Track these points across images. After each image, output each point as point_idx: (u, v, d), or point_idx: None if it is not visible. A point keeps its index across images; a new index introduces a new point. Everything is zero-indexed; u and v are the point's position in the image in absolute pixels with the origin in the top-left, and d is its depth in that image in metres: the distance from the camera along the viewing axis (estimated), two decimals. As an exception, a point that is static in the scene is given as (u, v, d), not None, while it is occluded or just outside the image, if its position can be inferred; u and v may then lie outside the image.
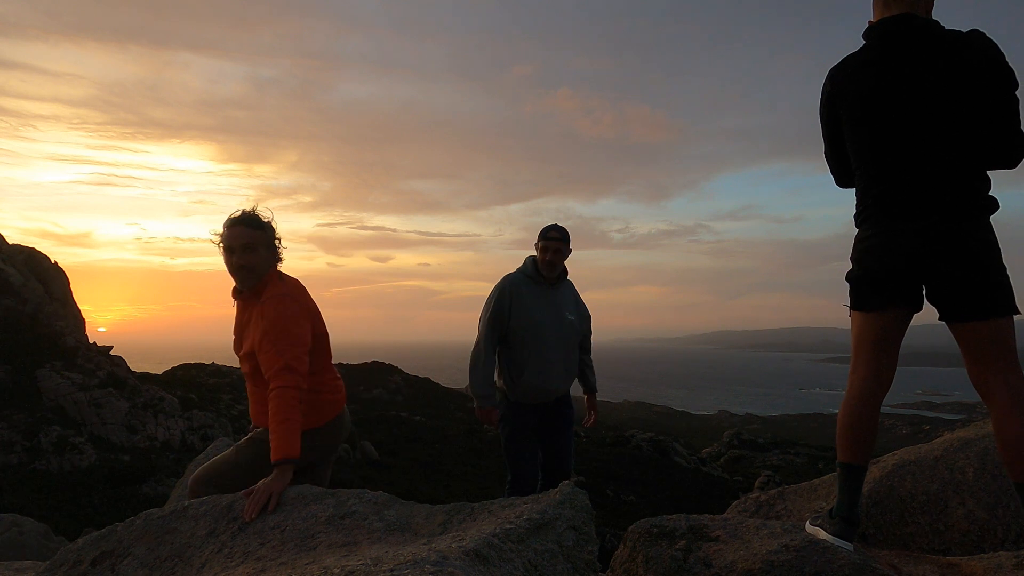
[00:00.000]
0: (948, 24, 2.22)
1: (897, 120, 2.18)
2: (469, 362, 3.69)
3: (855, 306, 2.30)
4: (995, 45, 2.11)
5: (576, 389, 3.99)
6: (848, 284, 2.32)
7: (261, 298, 2.57)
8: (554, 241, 3.66)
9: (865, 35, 2.31)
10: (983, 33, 2.13)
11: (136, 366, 23.74)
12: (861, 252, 2.28)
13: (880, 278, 2.21)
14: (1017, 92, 2.10)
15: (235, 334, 2.71)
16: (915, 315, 2.28)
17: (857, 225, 2.32)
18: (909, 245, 2.14)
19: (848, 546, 2.19)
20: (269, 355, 2.43)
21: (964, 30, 2.17)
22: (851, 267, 2.32)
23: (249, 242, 2.58)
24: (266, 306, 2.50)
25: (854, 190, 2.35)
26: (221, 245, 2.64)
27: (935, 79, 2.13)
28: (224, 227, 2.63)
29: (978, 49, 2.10)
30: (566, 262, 3.81)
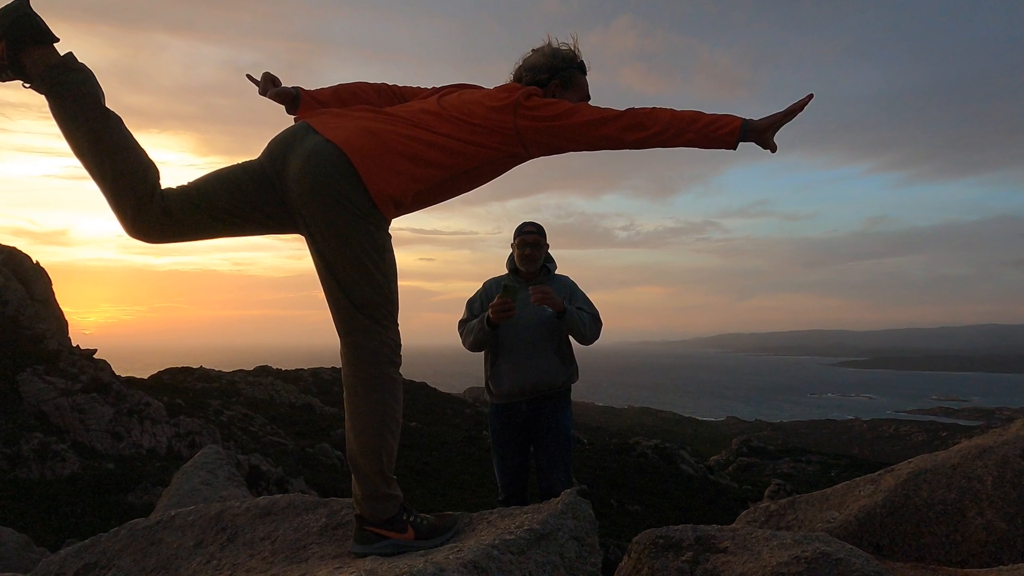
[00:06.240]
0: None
1: None
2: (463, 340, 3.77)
3: None
4: None
5: (577, 394, 3.91)
6: None
7: None
8: (531, 235, 3.75)
9: None
10: None
11: (121, 370, 23.39)
12: None
13: None
14: None
15: None
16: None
17: None
18: None
19: None
20: None
21: None
22: None
23: None
24: None
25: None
26: None
27: None
28: None
29: None
30: (559, 264, 3.87)
